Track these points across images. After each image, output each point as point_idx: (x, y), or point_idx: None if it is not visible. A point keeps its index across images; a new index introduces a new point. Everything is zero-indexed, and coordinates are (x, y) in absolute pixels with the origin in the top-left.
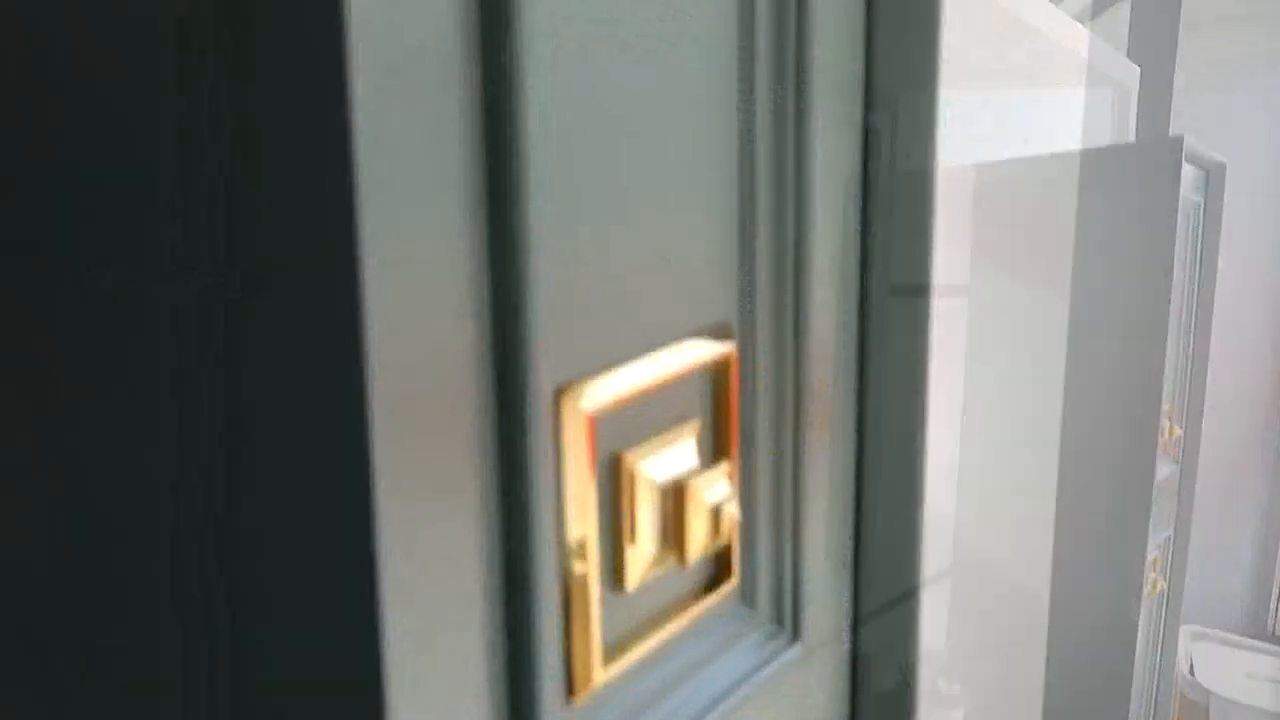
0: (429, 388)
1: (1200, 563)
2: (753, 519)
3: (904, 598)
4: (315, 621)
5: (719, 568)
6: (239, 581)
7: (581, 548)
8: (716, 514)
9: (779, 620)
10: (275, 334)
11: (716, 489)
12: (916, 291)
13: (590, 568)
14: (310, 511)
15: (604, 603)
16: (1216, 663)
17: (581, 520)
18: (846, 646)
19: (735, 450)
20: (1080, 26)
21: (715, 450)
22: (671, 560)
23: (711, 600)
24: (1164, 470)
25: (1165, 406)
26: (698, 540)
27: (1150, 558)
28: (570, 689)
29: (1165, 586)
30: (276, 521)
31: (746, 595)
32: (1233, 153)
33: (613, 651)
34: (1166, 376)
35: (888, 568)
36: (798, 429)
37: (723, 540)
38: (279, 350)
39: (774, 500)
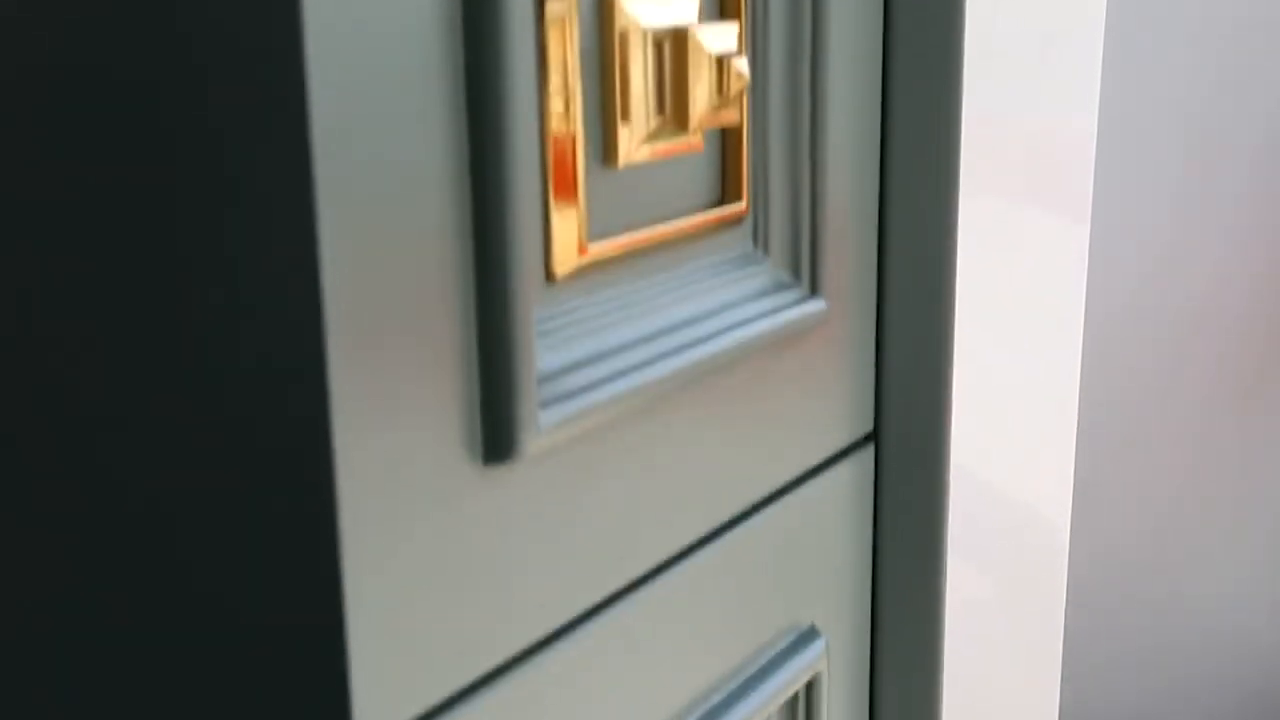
0: None
1: None
2: (764, 124)
3: (938, 258)
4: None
5: (727, 184)
6: None
7: (564, 100)
8: (722, 68)
9: (795, 271)
10: None
11: (722, 40)
12: None
13: (573, 123)
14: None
15: (590, 174)
16: None
17: (564, 67)
18: (872, 312)
19: (742, 16)
20: None
21: (720, 12)
22: (670, 131)
23: (717, 214)
24: None
25: None
26: (700, 100)
27: None
28: (549, 267)
29: None
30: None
31: (759, 233)
32: None
33: (599, 235)
34: None
35: (917, 223)
36: (816, 30)
37: (730, 113)
38: None
39: (789, 95)
